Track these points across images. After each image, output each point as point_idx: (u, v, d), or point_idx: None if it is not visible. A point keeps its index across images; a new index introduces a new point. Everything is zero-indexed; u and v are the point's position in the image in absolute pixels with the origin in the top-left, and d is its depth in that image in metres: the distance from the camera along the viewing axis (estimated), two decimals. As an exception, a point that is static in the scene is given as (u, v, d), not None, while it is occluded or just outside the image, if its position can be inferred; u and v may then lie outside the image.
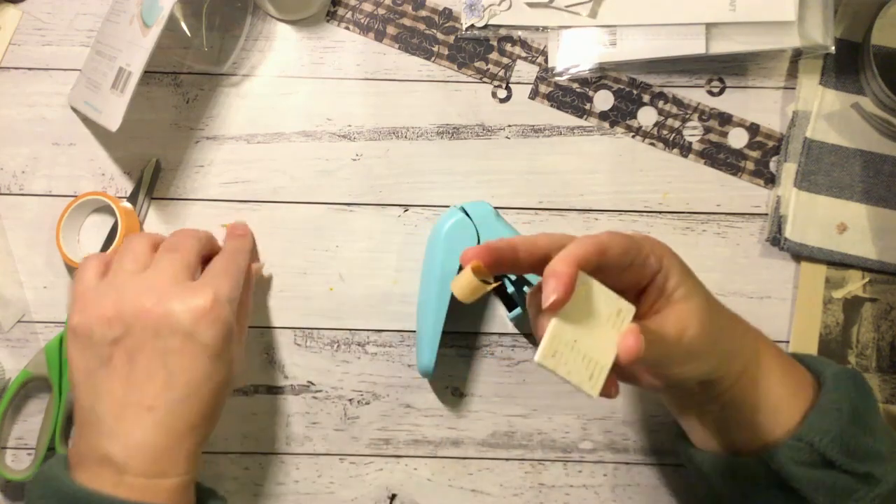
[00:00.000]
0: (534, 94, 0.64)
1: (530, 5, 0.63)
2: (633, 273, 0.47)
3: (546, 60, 0.64)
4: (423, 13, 0.64)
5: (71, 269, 0.63)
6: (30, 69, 0.64)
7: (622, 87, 0.64)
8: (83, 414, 0.49)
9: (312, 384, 0.62)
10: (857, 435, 0.48)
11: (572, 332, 0.43)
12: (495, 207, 0.60)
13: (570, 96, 0.64)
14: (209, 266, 0.54)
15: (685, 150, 0.64)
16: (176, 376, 0.48)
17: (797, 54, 0.63)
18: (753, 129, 0.64)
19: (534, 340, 0.63)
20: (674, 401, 0.54)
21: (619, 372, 0.49)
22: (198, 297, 0.49)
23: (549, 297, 0.42)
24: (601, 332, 0.43)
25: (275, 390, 0.62)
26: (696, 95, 0.64)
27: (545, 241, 0.47)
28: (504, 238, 0.47)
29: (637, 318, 0.46)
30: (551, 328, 0.43)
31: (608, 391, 0.45)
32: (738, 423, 0.51)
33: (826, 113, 0.62)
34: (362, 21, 0.64)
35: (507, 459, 0.62)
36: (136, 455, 0.47)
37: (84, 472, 0.48)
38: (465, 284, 0.45)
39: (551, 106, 0.64)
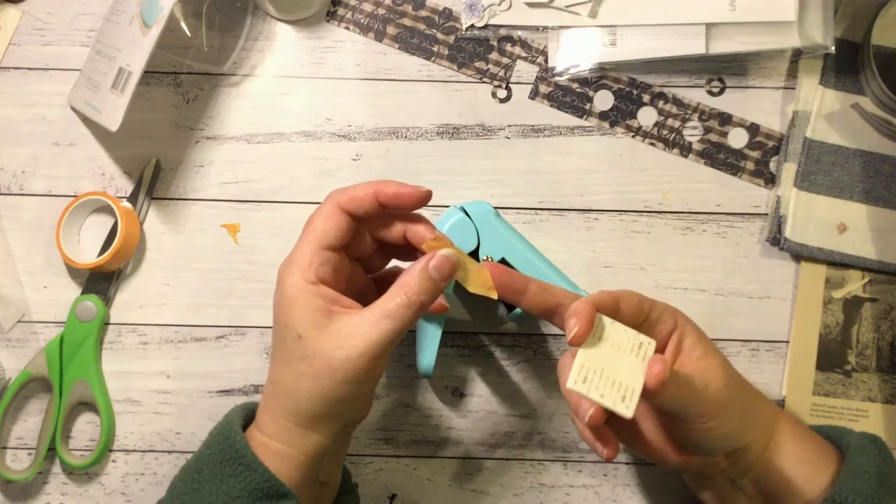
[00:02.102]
0: (534, 94, 0.64)
1: (530, 5, 0.63)
2: (648, 329, 0.49)
3: (546, 60, 0.64)
4: (423, 13, 0.64)
5: (71, 269, 0.63)
6: (30, 69, 0.64)
7: (622, 87, 0.64)
8: None
9: (312, 384, 0.62)
10: (886, 496, 0.48)
11: (599, 362, 0.46)
12: (495, 207, 0.60)
13: (570, 96, 0.64)
14: None
15: (685, 150, 0.64)
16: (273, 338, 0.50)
17: (797, 54, 0.63)
18: (753, 129, 0.64)
19: (534, 340, 0.63)
20: (704, 483, 0.55)
21: (650, 451, 0.52)
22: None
23: (570, 331, 0.46)
24: (626, 362, 0.46)
25: (275, 390, 0.62)
26: (696, 95, 0.64)
27: (561, 292, 0.51)
28: (524, 275, 0.51)
29: None
30: (578, 357, 0.46)
31: (612, 452, 0.48)
32: (772, 495, 0.51)
33: (826, 113, 0.62)
34: (362, 21, 0.64)
35: (507, 459, 0.62)
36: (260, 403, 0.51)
37: None
38: (476, 276, 0.49)
39: (551, 106, 0.64)
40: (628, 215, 0.63)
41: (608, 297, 0.48)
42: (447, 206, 0.62)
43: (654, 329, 0.50)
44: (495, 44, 0.64)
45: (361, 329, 0.46)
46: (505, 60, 0.64)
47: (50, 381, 0.61)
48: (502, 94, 0.64)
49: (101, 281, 0.62)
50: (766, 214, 0.63)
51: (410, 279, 0.47)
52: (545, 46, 0.64)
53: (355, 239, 0.50)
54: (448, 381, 0.62)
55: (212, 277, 0.63)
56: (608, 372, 0.45)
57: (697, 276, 0.63)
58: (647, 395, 0.45)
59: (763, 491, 0.52)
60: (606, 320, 0.47)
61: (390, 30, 0.64)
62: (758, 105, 0.64)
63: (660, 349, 0.50)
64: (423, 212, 0.63)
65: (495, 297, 0.49)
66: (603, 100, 0.64)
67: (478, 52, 0.64)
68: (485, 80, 0.64)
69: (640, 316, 0.49)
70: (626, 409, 0.45)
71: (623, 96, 0.64)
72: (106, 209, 0.63)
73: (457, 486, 0.62)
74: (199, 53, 0.64)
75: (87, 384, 0.61)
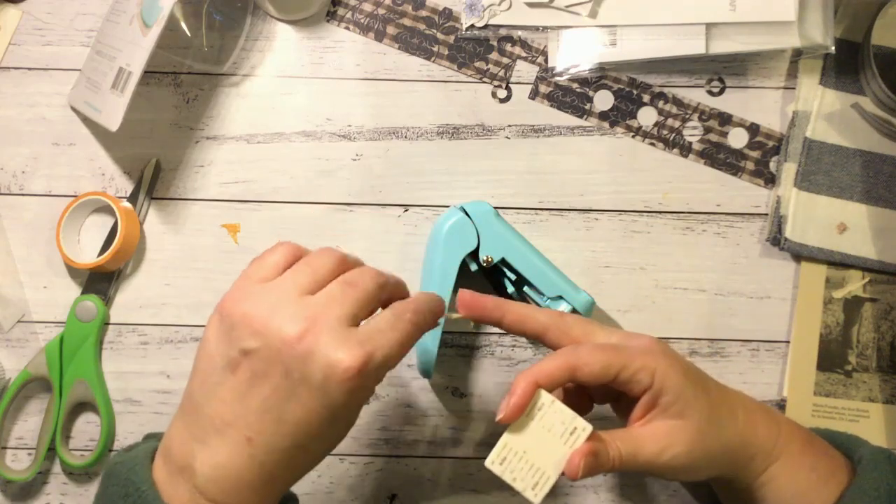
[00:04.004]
0: (534, 94, 0.64)
1: (530, 5, 0.63)
2: (619, 385, 0.47)
3: (546, 60, 0.64)
4: (423, 13, 0.64)
5: (71, 269, 0.63)
6: (30, 69, 0.64)
7: (622, 87, 0.64)
8: (190, 400, 0.44)
9: (312, 384, 0.62)
10: None
11: (523, 444, 0.46)
12: (495, 207, 0.60)
13: (570, 96, 0.64)
14: (378, 317, 0.44)
15: (685, 150, 0.64)
16: (287, 422, 0.42)
17: (797, 54, 0.63)
18: (753, 129, 0.64)
19: (533, 340, 0.62)
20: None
21: None
22: (348, 354, 0.41)
23: (500, 411, 0.45)
24: (552, 446, 0.46)
25: (275, 390, 0.62)
26: (696, 95, 0.64)
27: (543, 318, 0.50)
28: (501, 301, 0.50)
29: (629, 423, 0.48)
30: (503, 439, 0.46)
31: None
32: None
33: (826, 113, 0.62)
34: (362, 21, 0.64)
35: (507, 459, 0.62)
36: (217, 479, 0.43)
37: (166, 469, 0.44)
38: None
39: (551, 106, 0.64)
40: (628, 215, 0.63)
41: (560, 370, 0.46)
42: (447, 206, 0.62)
43: (627, 387, 0.47)
44: (495, 44, 0.64)
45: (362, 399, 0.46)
46: (505, 60, 0.64)
47: (50, 381, 0.61)
48: (502, 94, 0.64)
49: (101, 281, 0.62)
50: (766, 214, 0.63)
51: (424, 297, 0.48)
52: (545, 46, 0.64)
53: None
54: (448, 381, 0.62)
55: (212, 277, 0.63)
56: (529, 455, 0.46)
57: (697, 276, 0.63)
58: (579, 479, 0.46)
59: None
60: (546, 398, 0.46)
61: (390, 30, 0.64)
62: (758, 105, 0.64)
63: (630, 404, 0.48)
64: (423, 211, 0.63)
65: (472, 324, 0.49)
66: (603, 100, 0.64)
67: (478, 52, 0.64)
68: (485, 80, 0.64)
69: (606, 378, 0.47)
70: (534, 496, 0.46)
71: (623, 96, 0.64)
72: (106, 209, 0.63)
73: (457, 486, 0.62)
74: (199, 53, 0.64)
75: (87, 384, 0.61)
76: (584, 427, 0.46)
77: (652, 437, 0.47)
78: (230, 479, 0.43)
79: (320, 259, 0.45)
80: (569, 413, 0.46)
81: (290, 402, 0.42)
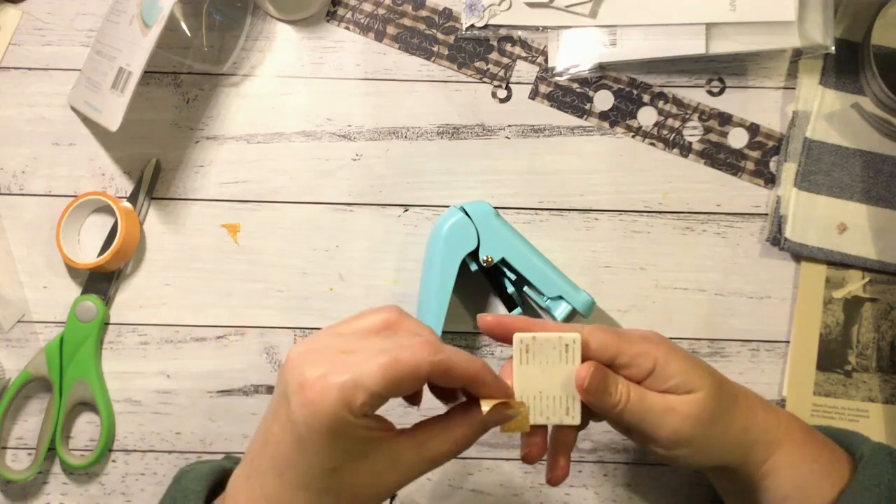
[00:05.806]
0: (534, 94, 0.64)
1: (530, 5, 0.63)
2: (619, 371, 0.47)
3: (546, 60, 0.64)
4: (423, 13, 0.64)
5: (71, 269, 0.63)
6: (30, 69, 0.64)
7: (622, 87, 0.64)
8: None
9: (312, 384, 0.62)
10: None
11: (534, 386, 0.46)
12: (495, 207, 0.60)
13: (570, 96, 0.64)
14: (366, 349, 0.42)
15: (685, 150, 0.64)
16: (269, 442, 0.43)
17: (797, 54, 0.63)
18: (753, 129, 0.64)
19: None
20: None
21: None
22: (313, 370, 0.40)
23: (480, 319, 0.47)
24: (559, 374, 0.46)
25: (275, 390, 0.62)
26: (696, 95, 0.64)
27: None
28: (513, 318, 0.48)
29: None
30: (515, 393, 0.46)
31: (558, 477, 0.48)
32: None
33: (826, 113, 0.62)
34: (362, 21, 0.65)
35: (507, 459, 0.62)
36: (229, 498, 0.45)
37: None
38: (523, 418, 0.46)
39: (551, 106, 0.64)
40: (628, 215, 0.63)
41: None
42: (447, 206, 0.62)
43: (622, 372, 0.47)
44: (495, 44, 0.64)
45: (398, 467, 0.43)
46: (505, 60, 0.64)
47: (50, 381, 0.61)
48: (502, 94, 0.64)
49: (101, 281, 0.62)
50: (766, 214, 0.63)
51: (468, 432, 0.44)
52: (545, 46, 0.64)
53: None
54: (448, 381, 0.62)
55: (212, 277, 0.63)
56: (546, 392, 0.46)
57: (697, 276, 0.63)
58: (588, 398, 0.45)
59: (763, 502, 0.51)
60: (526, 337, 0.46)
61: (390, 30, 0.64)
62: (758, 105, 0.64)
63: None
64: (423, 211, 0.63)
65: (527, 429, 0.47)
66: (603, 100, 0.64)
67: (478, 52, 0.64)
68: (485, 80, 0.64)
69: (603, 357, 0.47)
70: (572, 419, 0.46)
71: (623, 96, 0.64)
72: (106, 209, 0.63)
73: (457, 486, 0.62)
74: (199, 53, 0.64)
75: (87, 384, 0.61)
76: (573, 338, 0.46)
77: (661, 398, 0.47)
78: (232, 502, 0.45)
79: (390, 321, 0.44)
80: (553, 335, 0.46)
81: (274, 422, 0.42)
